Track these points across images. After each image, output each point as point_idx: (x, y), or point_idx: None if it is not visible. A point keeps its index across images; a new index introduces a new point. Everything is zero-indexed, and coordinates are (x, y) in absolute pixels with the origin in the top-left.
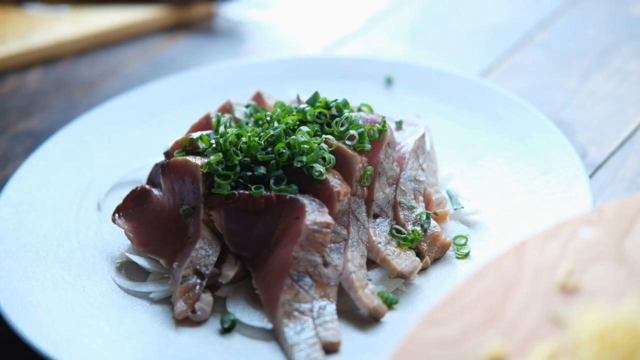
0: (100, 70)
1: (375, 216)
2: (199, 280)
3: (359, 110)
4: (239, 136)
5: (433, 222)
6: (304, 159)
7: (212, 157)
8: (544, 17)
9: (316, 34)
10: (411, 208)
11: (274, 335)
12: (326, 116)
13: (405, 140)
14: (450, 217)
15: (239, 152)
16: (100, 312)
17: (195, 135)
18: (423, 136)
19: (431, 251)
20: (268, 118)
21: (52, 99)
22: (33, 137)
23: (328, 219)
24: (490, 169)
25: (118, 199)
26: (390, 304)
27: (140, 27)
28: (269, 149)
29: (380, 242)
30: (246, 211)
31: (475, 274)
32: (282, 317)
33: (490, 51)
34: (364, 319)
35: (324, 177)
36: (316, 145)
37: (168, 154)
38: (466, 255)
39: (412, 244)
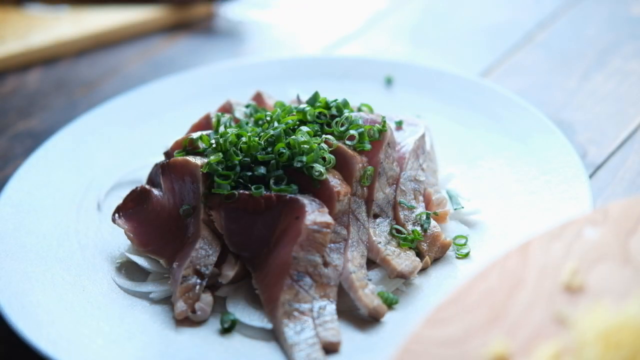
0: (100, 70)
1: (375, 216)
2: (199, 280)
3: (359, 110)
4: (239, 136)
5: (433, 222)
6: (304, 159)
7: (212, 157)
8: (544, 17)
9: (316, 34)
10: (411, 208)
11: (274, 335)
12: (326, 116)
13: (405, 140)
14: (450, 217)
15: (239, 152)
16: (100, 312)
17: (195, 135)
18: (423, 136)
19: (431, 251)
20: (268, 118)
21: (52, 99)
22: (33, 137)
23: (328, 219)
24: (490, 169)
25: (118, 199)
26: (390, 304)
27: (140, 27)
28: (269, 149)
29: (380, 242)
30: (246, 211)
31: (479, 273)
32: (282, 317)
33: (490, 51)
34: (364, 319)
35: (324, 177)
36: (316, 145)
37: (168, 154)
38: (466, 255)
39: (412, 244)
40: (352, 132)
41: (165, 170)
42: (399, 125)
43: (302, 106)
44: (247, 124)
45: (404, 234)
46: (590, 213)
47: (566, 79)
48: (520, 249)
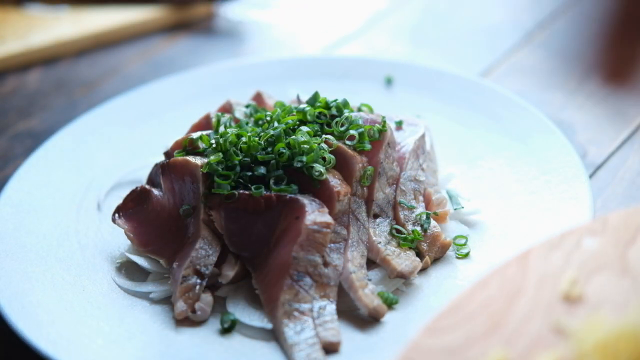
0: (100, 70)
1: (375, 216)
2: (199, 280)
3: (359, 110)
4: (239, 136)
5: (433, 222)
6: (304, 159)
7: (212, 157)
8: (544, 17)
9: (316, 34)
10: (411, 208)
11: (274, 335)
12: (326, 116)
13: (405, 140)
14: (450, 217)
15: (239, 152)
16: (100, 312)
17: (195, 135)
18: (423, 136)
19: (431, 251)
20: (268, 118)
21: (52, 99)
22: (33, 137)
23: (328, 219)
24: (490, 169)
25: (118, 199)
26: (390, 304)
27: (140, 27)
28: (269, 149)
29: (380, 242)
30: (246, 211)
31: (478, 281)
32: (282, 317)
33: (490, 51)
34: (364, 319)
35: (324, 177)
36: (316, 145)
37: (168, 154)
38: (466, 255)
39: (412, 244)
40: (352, 132)
41: (165, 170)
42: (399, 125)
43: (302, 106)
44: (247, 124)
45: (404, 234)
46: (589, 223)
47: (566, 79)
48: (520, 258)
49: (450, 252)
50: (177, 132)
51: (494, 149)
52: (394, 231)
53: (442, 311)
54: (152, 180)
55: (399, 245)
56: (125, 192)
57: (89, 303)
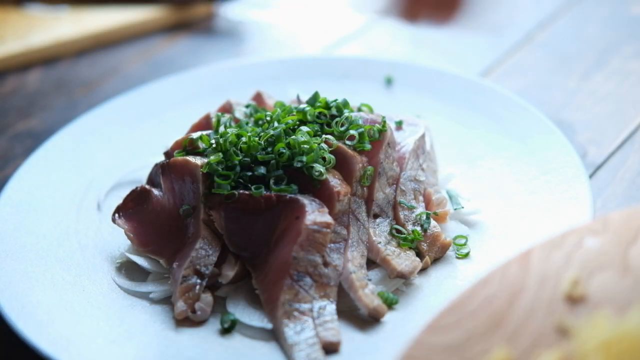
0: (100, 70)
1: (375, 216)
2: (199, 280)
3: (359, 110)
4: (239, 136)
5: (433, 222)
6: (304, 159)
7: (212, 157)
8: (544, 17)
9: (316, 34)
10: (411, 208)
11: (274, 335)
12: (326, 116)
13: (405, 140)
14: (450, 217)
15: (239, 152)
16: (100, 312)
17: (195, 135)
18: (423, 136)
19: (431, 251)
20: (268, 118)
21: (52, 99)
22: (33, 137)
23: (328, 219)
24: (490, 169)
25: (118, 199)
26: (390, 304)
27: (140, 27)
28: (269, 149)
29: (380, 242)
30: (246, 211)
31: (480, 280)
32: (282, 317)
33: (490, 51)
34: (364, 319)
35: (324, 177)
36: (316, 145)
37: (168, 154)
38: (466, 255)
39: (412, 244)
40: (352, 132)
41: (165, 170)
42: (399, 125)
43: (302, 106)
44: (247, 124)
45: (404, 234)
46: (590, 222)
47: (566, 79)
48: (521, 257)
49: (450, 252)
50: (177, 132)
51: (494, 149)
52: (394, 231)
53: (444, 309)
54: (152, 180)
55: (399, 245)
56: (125, 192)
57: (89, 303)
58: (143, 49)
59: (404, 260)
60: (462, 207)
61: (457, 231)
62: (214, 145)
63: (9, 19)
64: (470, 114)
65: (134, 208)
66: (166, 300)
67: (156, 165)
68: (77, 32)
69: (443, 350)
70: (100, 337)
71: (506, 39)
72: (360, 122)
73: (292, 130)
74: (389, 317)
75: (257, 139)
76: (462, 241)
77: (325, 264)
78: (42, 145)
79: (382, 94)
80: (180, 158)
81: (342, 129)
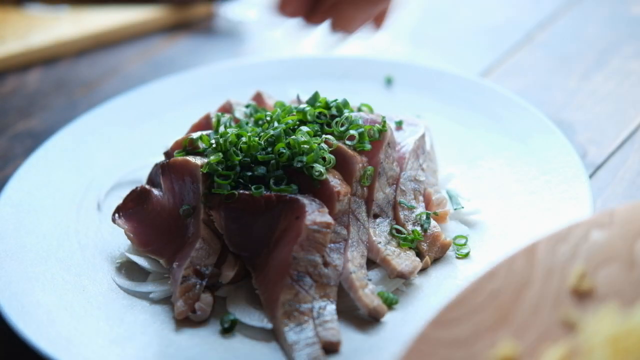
0: (100, 70)
1: (375, 216)
2: (199, 280)
3: (359, 110)
4: (239, 136)
5: (433, 222)
6: (304, 159)
7: (212, 157)
8: (544, 17)
9: (316, 34)
10: (411, 208)
11: (274, 335)
12: (326, 116)
13: (405, 140)
14: (450, 217)
15: (239, 152)
16: (100, 312)
17: (195, 135)
18: (423, 136)
19: (431, 251)
20: (268, 118)
21: (52, 99)
22: (33, 137)
23: (328, 219)
24: (490, 169)
25: (118, 199)
26: (390, 304)
27: (140, 27)
28: (269, 149)
29: (380, 242)
30: (246, 211)
31: (485, 274)
32: (282, 317)
33: (490, 51)
34: (364, 319)
35: (324, 177)
36: (316, 145)
37: (168, 154)
38: (466, 255)
39: (412, 244)
40: (352, 132)
41: (165, 170)
42: (399, 125)
43: (302, 106)
44: (247, 124)
45: (404, 234)
46: (596, 215)
47: (566, 79)
48: (527, 251)
49: (450, 252)
50: (177, 132)
51: (494, 149)
52: (394, 231)
53: (450, 303)
54: (152, 180)
55: (399, 245)
56: (125, 192)
57: (89, 303)
58: (143, 49)
59: (404, 260)
60: (462, 207)
61: (457, 231)
62: (214, 145)
63: (9, 19)
64: (470, 114)
65: (134, 208)
66: (166, 300)
67: (156, 165)
68: (77, 32)
69: (449, 344)
70: (100, 337)
71: (506, 39)
72: (360, 122)
73: (292, 130)
74: (389, 317)
75: (257, 139)
76: (462, 241)
77: (325, 264)
78: (42, 145)
79: (382, 94)
80: (180, 158)
81: (342, 129)
